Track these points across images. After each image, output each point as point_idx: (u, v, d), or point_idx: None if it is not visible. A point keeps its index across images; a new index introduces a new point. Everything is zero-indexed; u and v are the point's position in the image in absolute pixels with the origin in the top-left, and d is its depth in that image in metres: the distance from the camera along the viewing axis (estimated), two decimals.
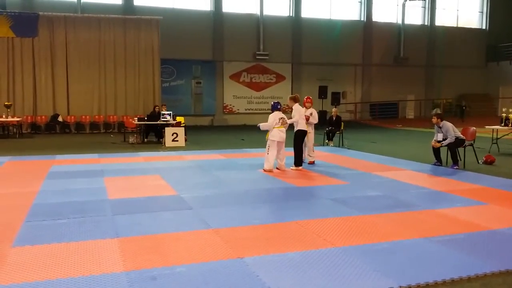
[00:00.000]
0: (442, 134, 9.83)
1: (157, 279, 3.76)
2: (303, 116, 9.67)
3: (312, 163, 10.32)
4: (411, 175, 8.99)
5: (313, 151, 10.49)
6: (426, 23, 31.16)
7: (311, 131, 10.38)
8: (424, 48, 30.86)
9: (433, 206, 6.33)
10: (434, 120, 9.98)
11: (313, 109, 10.54)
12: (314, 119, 10.46)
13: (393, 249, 4.53)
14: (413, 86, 30.72)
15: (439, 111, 27.92)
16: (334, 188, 7.73)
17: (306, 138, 10.24)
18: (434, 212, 6.03)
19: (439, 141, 9.87)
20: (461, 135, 9.94)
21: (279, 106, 9.41)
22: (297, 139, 9.61)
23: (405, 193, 7.25)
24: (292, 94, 27.27)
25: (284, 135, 9.24)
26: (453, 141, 9.64)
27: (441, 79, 30.96)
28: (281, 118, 9.24)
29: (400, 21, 30.12)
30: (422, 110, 30.54)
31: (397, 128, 23.35)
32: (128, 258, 4.23)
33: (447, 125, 9.80)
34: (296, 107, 9.61)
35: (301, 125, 9.59)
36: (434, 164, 10.12)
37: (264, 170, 9.16)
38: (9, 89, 19.51)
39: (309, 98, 10.74)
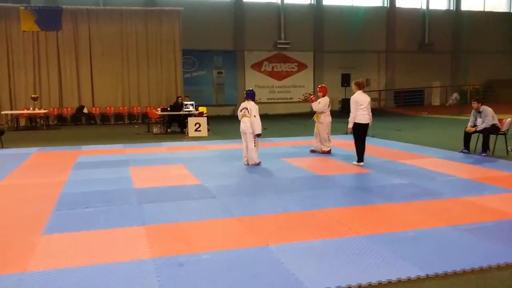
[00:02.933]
0: (480, 119, 9.63)
1: (183, 265, 3.81)
2: (361, 106, 8.39)
3: (325, 152, 10.03)
4: (437, 162, 8.82)
5: (329, 141, 10.13)
6: (451, 8, 30.34)
7: (322, 121, 10.04)
8: (450, 34, 30.10)
9: (460, 194, 6.20)
10: (475, 105, 9.73)
11: (325, 98, 10.10)
12: (322, 107, 9.99)
13: (420, 238, 4.47)
14: (439, 72, 30.04)
15: (457, 96, 27.40)
16: (358, 176, 7.66)
17: (318, 128, 10.03)
18: (461, 200, 5.92)
19: (473, 126, 9.71)
20: (498, 123, 9.70)
21: (245, 96, 9.09)
22: (354, 133, 8.73)
23: (431, 181, 7.12)
24: (314, 82, 27.49)
25: (244, 126, 8.79)
26: (488, 126, 9.44)
27: (467, 65, 30.17)
28: (244, 108, 8.87)
29: (424, 7, 29.42)
30: (449, 97, 29.87)
31: (423, 116, 22.92)
32: (155, 245, 4.30)
33: (487, 110, 9.59)
34: (356, 95, 8.50)
35: (357, 117, 8.46)
36: (461, 152, 9.92)
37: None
38: (35, 82, 19.93)
39: (321, 87, 10.31)
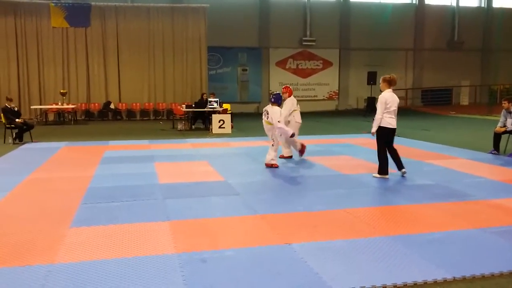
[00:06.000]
0: (511, 119, 9.40)
1: (207, 261, 3.84)
2: (390, 108, 7.14)
3: (284, 157, 9.27)
4: (465, 163, 8.63)
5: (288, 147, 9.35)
6: (483, 5, 29.58)
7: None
8: (481, 31, 29.34)
9: (489, 196, 6.05)
10: (506, 105, 9.52)
11: (291, 98, 9.12)
12: (289, 109, 9.00)
13: (446, 240, 4.38)
14: (468, 71, 29.34)
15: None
16: None
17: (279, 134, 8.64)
18: (489, 202, 5.78)
19: (503, 126, 9.47)
20: None
21: (271, 99, 8.49)
22: (377, 139, 7.39)
23: (459, 182, 6.97)
24: (339, 80, 27.24)
25: (265, 127, 8.64)
26: None
27: (498, 63, 29.34)
28: (265, 110, 8.49)
29: (454, 3, 28.75)
30: (478, 97, 29.16)
31: (451, 115, 22.45)
32: (179, 240, 4.34)
33: None
34: (385, 94, 7.21)
35: (384, 121, 7.17)
36: (490, 153, 9.68)
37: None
38: (64, 78, 20.40)
39: (285, 87, 9.24)
